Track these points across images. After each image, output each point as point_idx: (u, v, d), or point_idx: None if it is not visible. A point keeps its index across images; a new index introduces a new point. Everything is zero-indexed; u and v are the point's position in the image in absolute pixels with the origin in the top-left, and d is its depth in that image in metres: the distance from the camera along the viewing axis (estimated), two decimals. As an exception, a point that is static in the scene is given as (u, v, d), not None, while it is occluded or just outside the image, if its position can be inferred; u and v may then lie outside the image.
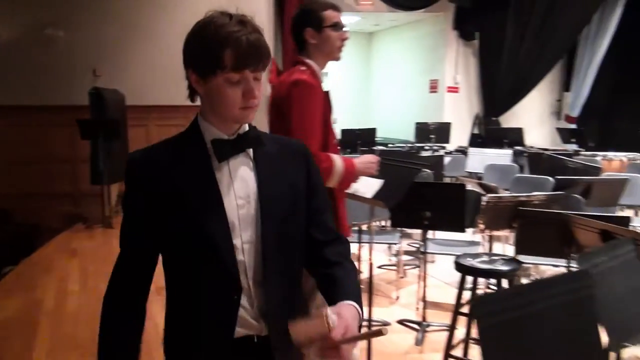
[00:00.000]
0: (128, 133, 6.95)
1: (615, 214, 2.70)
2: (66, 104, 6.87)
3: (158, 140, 1.38)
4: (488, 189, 4.34)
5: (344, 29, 2.28)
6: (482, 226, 3.40)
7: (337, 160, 2.23)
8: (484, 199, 3.32)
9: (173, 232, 1.31)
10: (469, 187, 4.20)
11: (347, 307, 1.28)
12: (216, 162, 1.32)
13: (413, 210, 3.49)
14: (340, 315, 1.22)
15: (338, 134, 8.45)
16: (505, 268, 2.81)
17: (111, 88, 6.63)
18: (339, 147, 2.42)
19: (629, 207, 5.11)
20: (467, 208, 3.56)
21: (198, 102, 1.37)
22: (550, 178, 4.42)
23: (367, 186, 2.49)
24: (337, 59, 2.34)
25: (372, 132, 8.06)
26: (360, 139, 7.57)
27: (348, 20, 10.64)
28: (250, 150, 1.36)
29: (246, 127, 1.36)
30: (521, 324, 1.49)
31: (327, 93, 2.33)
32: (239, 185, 1.33)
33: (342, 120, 10.80)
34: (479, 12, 9.45)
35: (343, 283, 1.36)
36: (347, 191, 2.58)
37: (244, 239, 1.33)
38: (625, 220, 2.58)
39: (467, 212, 3.58)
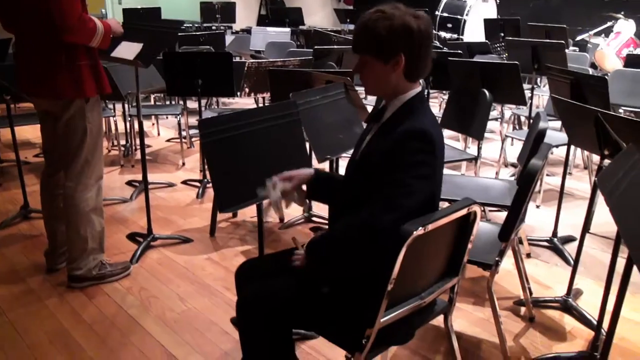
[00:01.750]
0: None
1: (343, 70, 3.32)
2: None
3: None
4: (258, 60, 4.82)
5: None
6: (247, 90, 3.88)
7: (97, 21, 2.46)
8: (246, 64, 3.76)
9: None
10: (244, 60, 4.60)
11: None
12: None
13: (186, 79, 3.80)
14: None
15: (120, 14, 8.17)
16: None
17: None
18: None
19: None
20: (236, 76, 3.97)
21: None
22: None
23: (129, 50, 2.73)
24: None
25: (156, 11, 7.92)
26: (143, 19, 7.43)
27: None
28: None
29: (394, 103, 1.62)
30: (241, 140, 1.97)
31: None
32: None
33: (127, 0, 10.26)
34: None
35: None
36: (112, 55, 2.81)
37: None
38: (349, 74, 3.21)
39: (236, 79, 3.99)
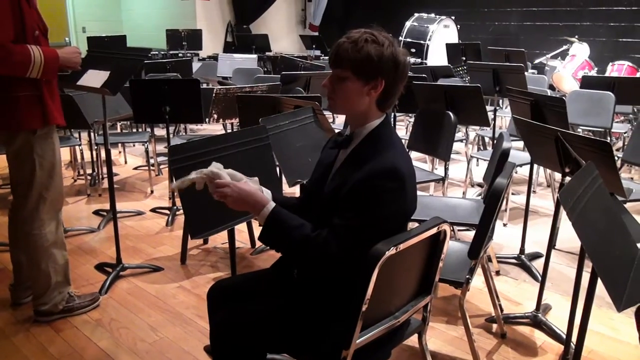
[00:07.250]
0: None
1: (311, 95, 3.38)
2: None
3: None
4: (225, 86, 4.84)
5: None
6: (215, 116, 3.89)
7: (36, 51, 2.31)
8: (215, 90, 3.77)
9: None
10: (211, 86, 4.61)
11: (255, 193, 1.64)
12: None
13: (154, 106, 3.78)
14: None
15: (85, 43, 8.10)
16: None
17: None
18: (47, 39, 2.50)
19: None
20: (203, 102, 3.96)
21: None
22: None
23: (96, 78, 2.71)
24: None
25: (122, 39, 7.89)
26: (109, 48, 7.38)
27: None
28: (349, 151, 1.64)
29: (362, 132, 1.61)
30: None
31: None
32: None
33: (91, 28, 10.21)
34: None
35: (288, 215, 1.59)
36: (79, 83, 2.77)
37: None
38: (317, 99, 3.26)
39: (204, 106, 3.98)
